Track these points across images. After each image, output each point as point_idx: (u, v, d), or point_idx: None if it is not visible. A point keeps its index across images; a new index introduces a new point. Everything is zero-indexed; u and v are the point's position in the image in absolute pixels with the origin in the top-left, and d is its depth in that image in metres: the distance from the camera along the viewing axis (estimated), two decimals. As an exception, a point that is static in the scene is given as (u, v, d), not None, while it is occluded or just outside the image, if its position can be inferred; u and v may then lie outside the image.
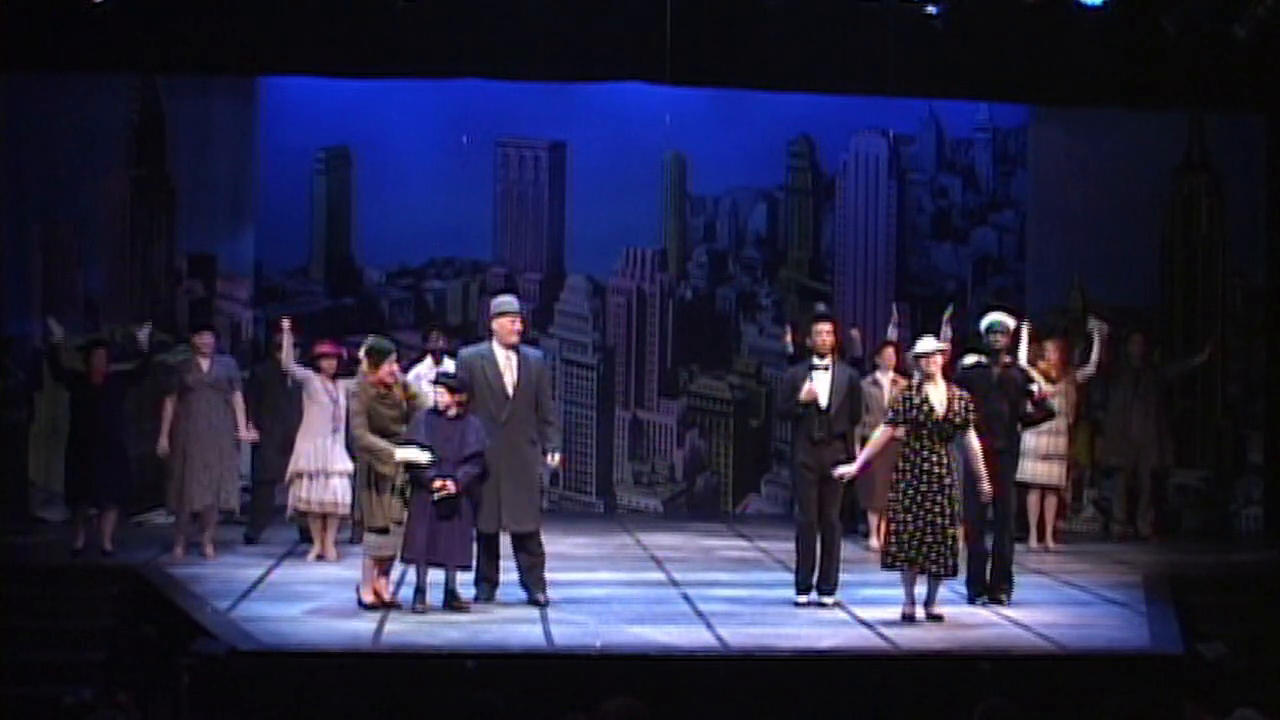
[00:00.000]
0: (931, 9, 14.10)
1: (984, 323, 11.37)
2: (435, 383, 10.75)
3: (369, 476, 10.66)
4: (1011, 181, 17.02)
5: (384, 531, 10.58)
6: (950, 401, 10.46)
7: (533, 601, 10.89)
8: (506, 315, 10.96)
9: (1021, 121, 16.64)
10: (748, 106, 16.17)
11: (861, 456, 10.88)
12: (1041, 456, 14.12)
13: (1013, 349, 11.51)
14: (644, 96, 15.48)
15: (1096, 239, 16.03)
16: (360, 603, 10.68)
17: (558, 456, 11.25)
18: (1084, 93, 15.19)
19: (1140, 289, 16.17)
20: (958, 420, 10.46)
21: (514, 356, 10.96)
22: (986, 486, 10.75)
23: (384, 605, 10.66)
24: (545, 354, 11.83)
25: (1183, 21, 14.16)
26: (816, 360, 11.11)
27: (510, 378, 10.91)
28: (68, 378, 12.92)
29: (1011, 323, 11.38)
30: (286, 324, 12.98)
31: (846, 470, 10.92)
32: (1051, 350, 14.30)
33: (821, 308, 13.56)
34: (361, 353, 10.89)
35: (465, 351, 11.23)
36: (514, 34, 14.22)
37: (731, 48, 14.66)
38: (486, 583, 10.96)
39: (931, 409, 10.41)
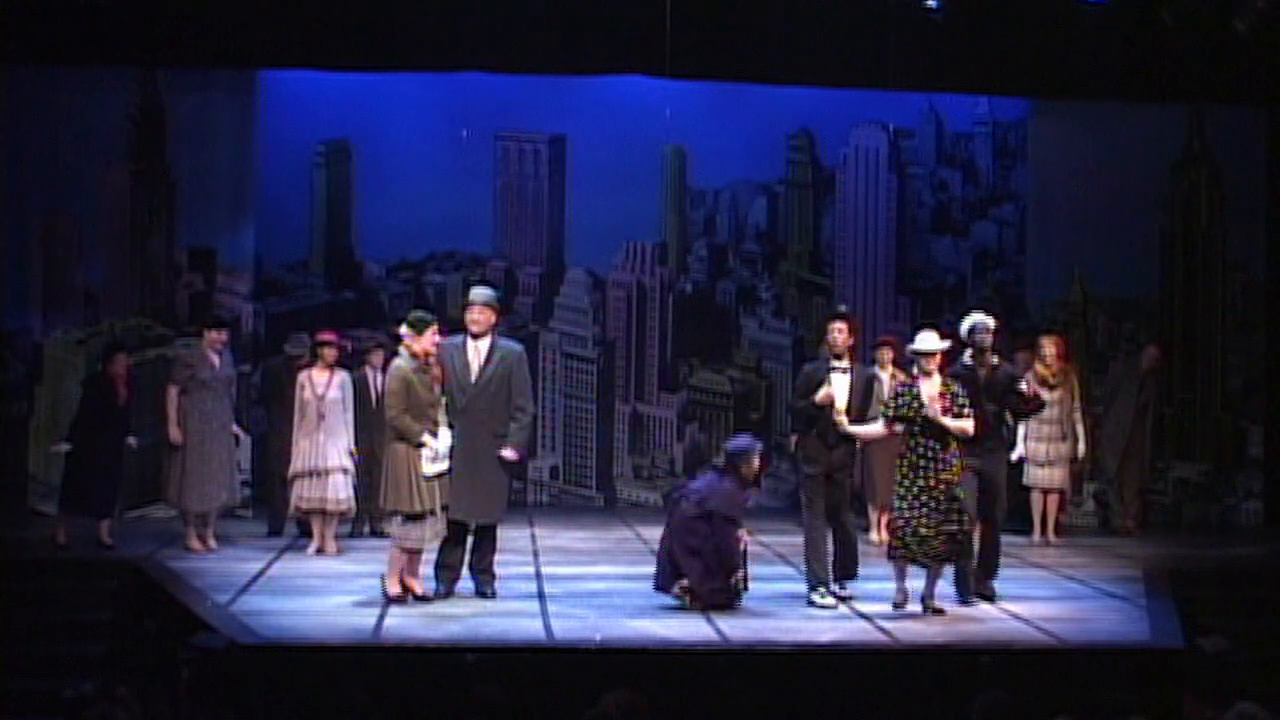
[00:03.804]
0: (931, 2, 14.09)
1: (965, 325, 11.26)
2: None
3: (406, 459, 10.45)
4: (1011, 175, 17.01)
5: (419, 518, 10.45)
6: (938, 397, 10.49)
7: (480, 594, 10.89)
8: (468, 305, 10.96)
9: (1021, 115, 16.64)
10: (748, 100, 16.15)
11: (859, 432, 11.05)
12: (1045, 463, 14.15)
13: (998, 349, 11.42)
14: (644, 90, 15.47)
15: (1096, 233, 16.03)
16: (385, 594, 10.58)
17: (510, 452, 10.86)
18: (1084, 86, 15.18)
19: (1140, 282, 16.19)
20: (945, 414, 10.47)
21: (483, 346, 10.90)
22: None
23: (415, 598, 10.59)
24: (525, 347, 11.58)
25: (1182, 15, 14.15)
26: (835, 361, 10.98)
27: (475, 367, 10.86)
28: (95, 383, 12.73)
29: (992, 322, 11.31)
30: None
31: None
32: (1048, 346, 14.23)
33: (842, 308, 13.44)
34: (403, 328, 10.69)
35: (443, 341, 11.03)
36: (514, 27, 14.22)
37: (732, 41, 14.65)
38: (446, 570, 10.91)
39: (921, 405, 10.48)
